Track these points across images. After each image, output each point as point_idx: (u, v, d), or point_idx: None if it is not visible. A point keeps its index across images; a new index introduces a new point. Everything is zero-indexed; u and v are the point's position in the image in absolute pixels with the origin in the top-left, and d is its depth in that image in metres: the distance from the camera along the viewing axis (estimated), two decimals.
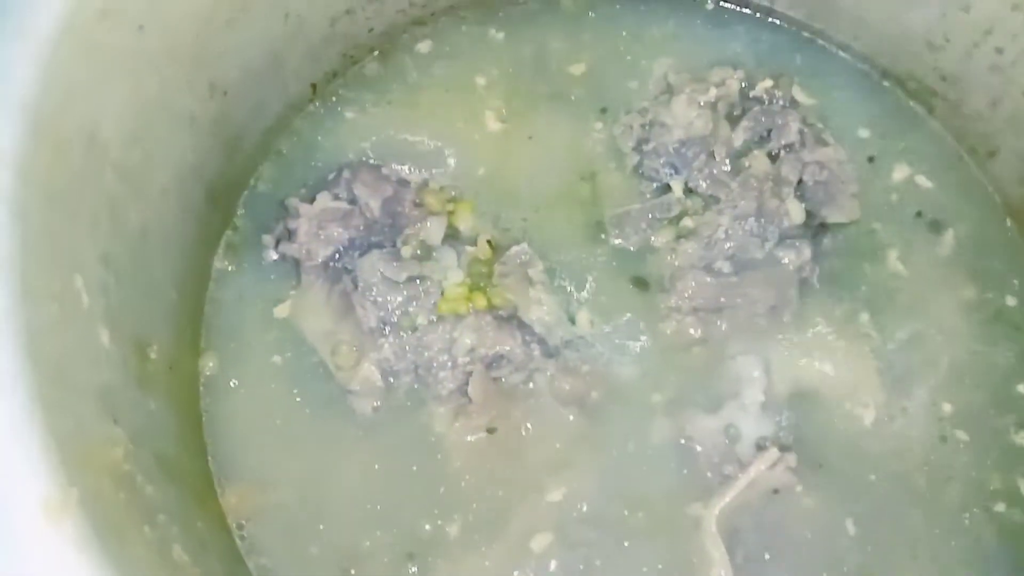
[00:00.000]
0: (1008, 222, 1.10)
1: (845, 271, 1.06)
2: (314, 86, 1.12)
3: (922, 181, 1.10)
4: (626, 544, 0.94)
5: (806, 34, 1.18)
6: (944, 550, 0.95)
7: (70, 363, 0.68)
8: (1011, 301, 1.05)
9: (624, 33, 1.16)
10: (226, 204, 1.06)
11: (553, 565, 0.93)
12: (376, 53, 1.16)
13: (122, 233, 0.83)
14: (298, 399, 0.99)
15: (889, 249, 1.07)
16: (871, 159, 1.11)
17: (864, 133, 1.12)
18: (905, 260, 1.06)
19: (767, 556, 0.94)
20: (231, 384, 0.99)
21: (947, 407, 1.00)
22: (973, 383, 1.01)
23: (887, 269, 1.06)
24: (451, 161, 1.08)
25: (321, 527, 0.94)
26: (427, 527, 0.94)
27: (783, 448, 0.96)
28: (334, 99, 1.14)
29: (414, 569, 0.93)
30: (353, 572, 0.92)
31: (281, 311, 1.02)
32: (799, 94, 1.12)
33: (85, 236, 0.76)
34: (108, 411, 0.72)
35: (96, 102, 0.79)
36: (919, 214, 1.08)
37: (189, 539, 0.76)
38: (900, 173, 1.10)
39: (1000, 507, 0.97)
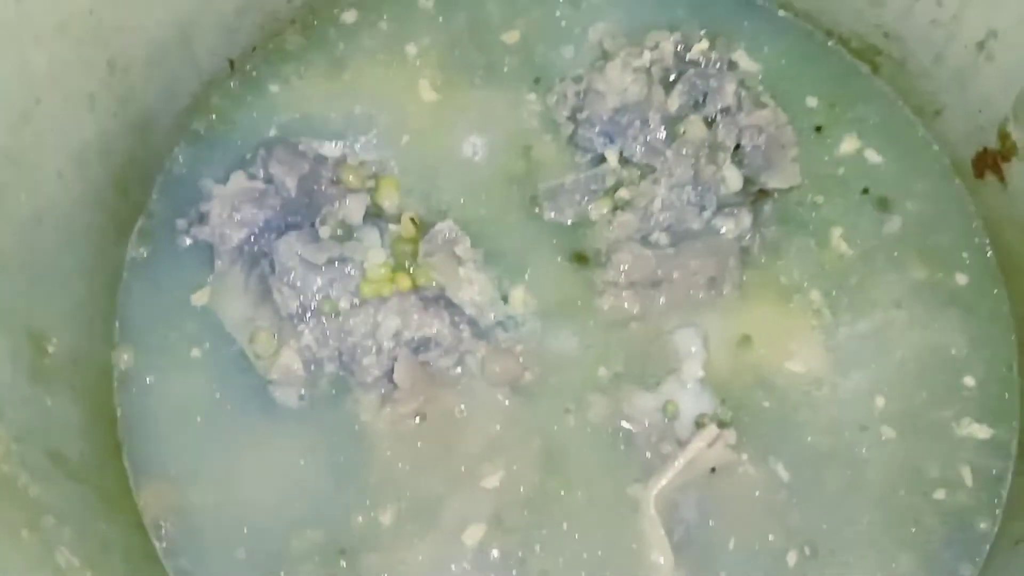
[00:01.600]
0: (957, 181, 1.06)
1: (788, 241, 1.02)
2: (231, 62, 1.07)
3: (871, 155, 1.06)
4: (565, 527, 0.91)
5: None
6: (881, 533, 0.92)
7: None
8: (962, 279, 1.01)
9: None
10: (138, 189, 1.00)
11: (492, 553, 0.90)
12: (297, 24, 1.10)
13: (8, 220, 0.78)
14: (218, 393, 0.94)
15: (833, 227, 1.02)
16: (818, 128, 1.06)
17: (812, 102, 1.08)
18: (850, 240, 1.02)
19: (709, 530, 0.90)
20: (147, 380, 0.95)
21: (880, 401, 0.96)
22: (919, 381, 0.97)
23: (832, 248, 1.02)
24: (378, 135, 1.03)
25: (246, 530, 0.90)
26: (359, 519, 0.90)
27: (722, 425, 0.93)
28: (254, 74, 1.08)
29: (345, 564, 0.89)
30: (283, 574, 0.88)
31: (199, 298, 0.97)
32: (743, 59, 1.08)
33: None
34: None
35: None
36: (866, 191, 1.04)
37: (85, 541, 0.71)
38: (849, 145, 1.06)
39: (940, 494, 0.94)
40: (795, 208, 1.03)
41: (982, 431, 0.96)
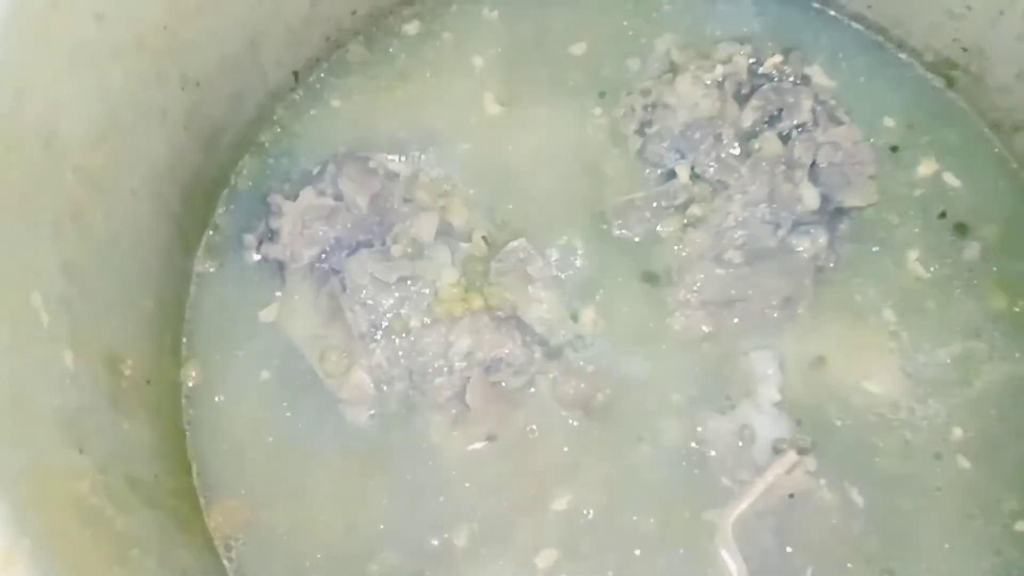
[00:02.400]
0: None
1: (863, 260, 1.00)
2: (296, 74, 1.06)
3: (949, 179, 1.03)
4: (637, 553, 0.89)
5: (816, 4, 1.11)
6: (961, 563, 0.90)
7: (25, 390, 0.62)
8: None
9: (629, 6, 1.09)
10: (205, 203, 1.00)
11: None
12: (361, 36, 1.09)
13: (88, 241, 0.77)
14: (287, 411, 0.93)
15: (909, 249, 1.00)
16: (894, 149, 1.04)
17: (889, 122, 1.05)
18: (927, 263, 0.99)
19: (787, 557, 0.88)
20: (216, 398, 0.94)
21: (958, 431, 0.93)
22: (999, 412, 0.94)
23: (908, 270, 0.99)
24: (444, 150, 1.02)
25: (319, 555, 0.89)
26: (434, 541, 0.89)
27: (801, 451, 0.90)
28: (318, 87, 1.07)
29: None
30: None
31: (267, 315, 0.96)
32: (819, 75, 1.05)
33: (45, 246, 0.70)
34: (73, 439, 0.66)
35: (53, 99, 0.73)
36: (943, 214, 1.01)
37: (166, 570, 0.70)
38: (926, 168, 1.03)
39: (1021, 526, 0.91)
40: (870, 227, 1.01)
41: None
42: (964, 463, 0.93)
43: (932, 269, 0.99)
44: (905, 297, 0.98)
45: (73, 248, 0.74)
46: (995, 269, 0.99)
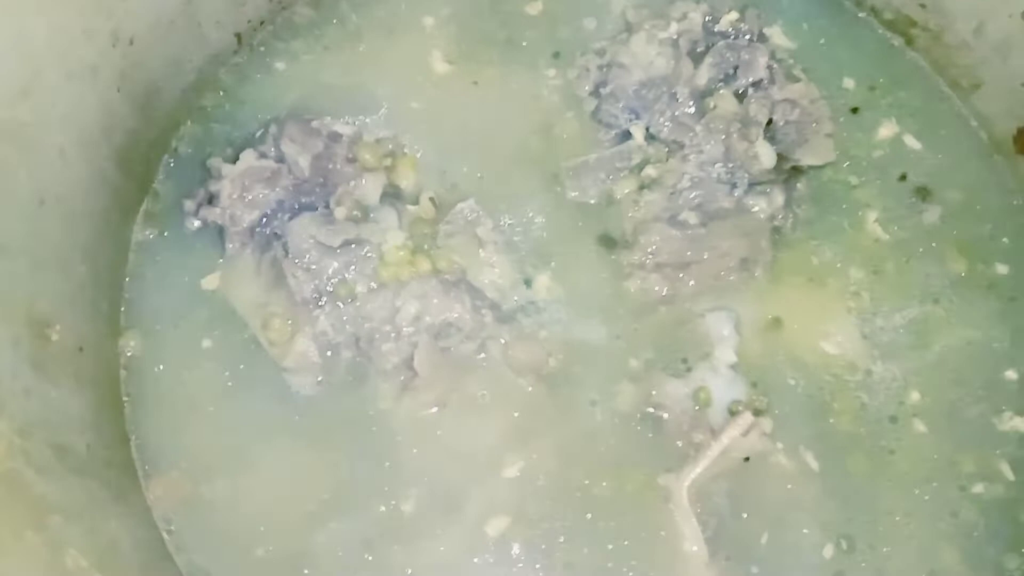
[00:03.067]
0: (996, 159, 1.02)
1: (821, 221, 0.98)
2: (239, 36, 1.02)
3: (910, 141, 1.01)
4: (589, 517, 0.88)
5: None
6: (919, 527, 0.89)
7: None
8: (1002, 269, 0.97)
9: None
10: (143, 169, 0.96)
11: (514, 546, 0.87)
12: None
13: (9, 200, 0.74)
14: (230, 381, 0.90)
15: (868, 210, 0.98)
16: (855, 110, 1.02)
17: (849, 83, 1.03)
18: (886, 225, 0.98)
19: (742, 522, 0.87)
20: (156, 368, 0.91)
21: (914, 395, 0.92)
22: (957, 376, 0.93)
23: (866, 232, 0.98)
24: (391, 109, 0.99)
25: (263, 527, 0.86)
26: (381, 508, 0.87)
27: (757, 412, 0.89)
28: (262, 49, 1.04)
29: (370, 558, 0.85)
30: (307, 572, 0.85)
31: (209, 283, 0.93)
32: (778, 36, 1.03)
33: None
34: None
35: None
36: (903, 177, 0.99)
37: (94, 540, 0.67)
38: (887, 130, 1.02)
39: (979, 488, 0.90)
40: (829, 187, 0.99)
41: None
42: (920, 427, 0.92)
43: (891, 231, 0.98)
44: (863, 259, 0.97)
45: None
46: (955, 233, 0.98)
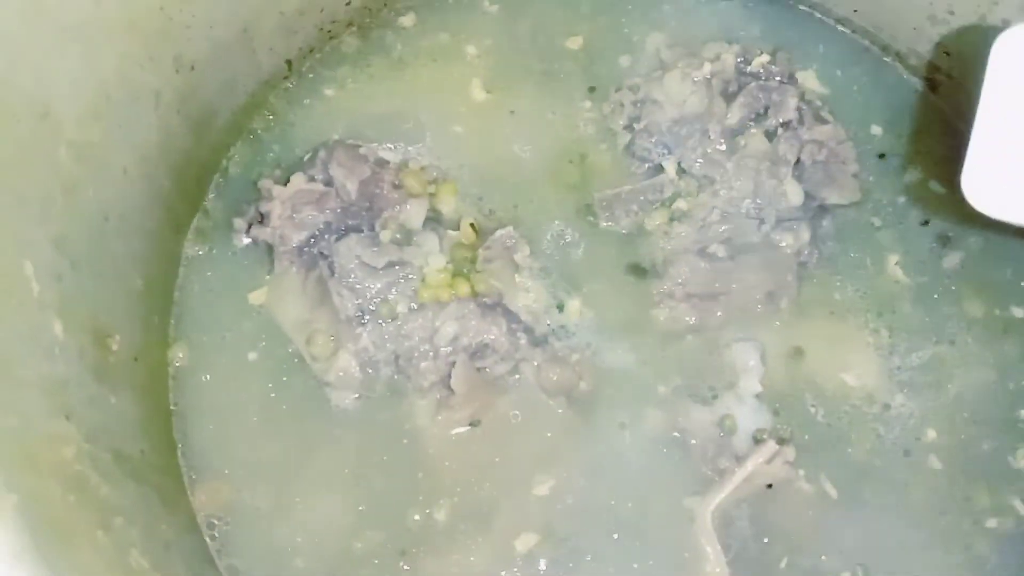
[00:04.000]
0: None
1: (845, 258, 1.01)
2: (289, 62, 1.07)
3: (935, 187, 1.04)
4: (615, 538, 0.90)
5: (803, 7, 1.13)
6: (933, 558, 0.92)
7: (14, 355, 0.62)
8: (1019, 312, 1.00)
9: (629, 5, 1.11)
10: (195, 187, 1.00)
11: (541, 562, 0.90)
12: (354, 28, 1.10)
13: (79, 216, 0.78)
14: (273, 393, 0.94)
15: (889, 253, 1.01)
16: (882, 156, 1.05)
17: (877, 130, 1.07)
18: (906, 267, 1.01)
19: (763, 547, 0.90)
20: (203, 378, 0.95)
21: (930, 432, 0.95)
22: (972, 416, 0.96)
23: (887, 273, 1.01)
24: (433, 136, 1.03)
25: (302, 538, 0.89)
26: (416, 517, 0.90)
27: (781, 441, 0.92)
28: (311, 76, 1.08)
29: (406, 567, 0.88)
30: None
31: (256, 298, 0.97)
32: (812, 81, 1.07)
33: (36, 218, 0.71)
34: (59, 407, 0.67)
35: (47, 74, 0.74)
36: (926, 223, 1.03)
37: (150, 542, 0.71)
38: (912, 176, 1.05)
39: (992, 523, 0.92)
40: (853, 228, 1.02)
41: None
42: (935, 462, 0.94)
43: (911, 274, 1.01)
44: (883, 298, 1.00)
45: (64, 222, 0.75)
46: (974, 277, 1.01)
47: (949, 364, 0.98)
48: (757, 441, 0.93)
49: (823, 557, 0.91)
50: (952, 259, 1.02)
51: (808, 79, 1.08)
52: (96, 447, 0.70)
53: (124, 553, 0.66)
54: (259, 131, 1.05)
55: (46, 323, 0.69)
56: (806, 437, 0.94)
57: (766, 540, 0.91)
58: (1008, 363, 0.98)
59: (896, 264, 1.01)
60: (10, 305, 0.64)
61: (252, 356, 0.95)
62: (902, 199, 1.04)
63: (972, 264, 1.02)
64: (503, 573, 0.89)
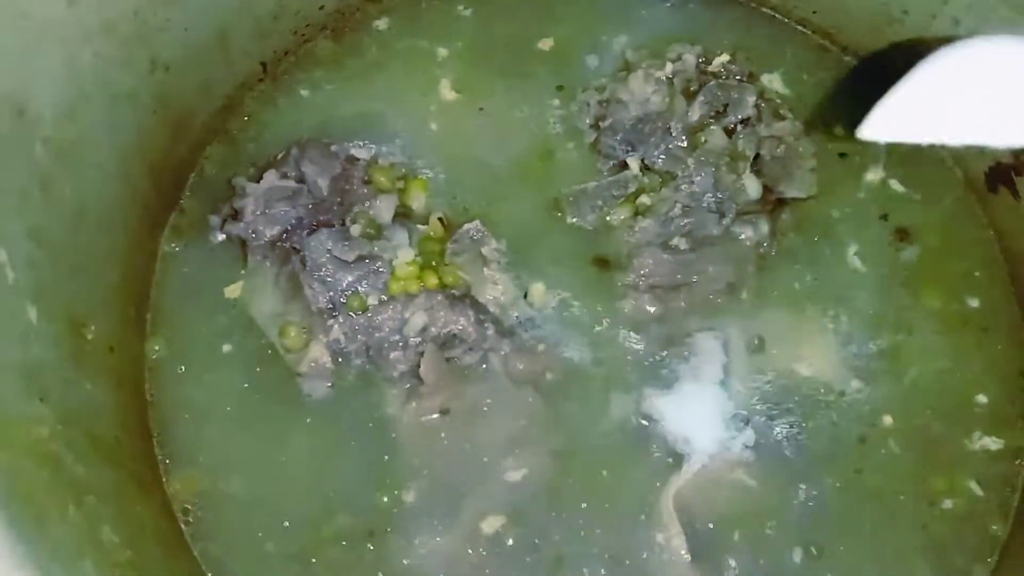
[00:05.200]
0: (969, 194, 1.08)
1: (804, 249, 1.04)
2: (264, 64, 1.10)
3: (895, 185, 1.07)
4: (581, 522, 0.93)
5: (765, 9, 1.17)
6: (888, 536, 0.94)
7: None
8: (974, 303, 1.03)
9: (608, 9, 1.14)
10: (172, 186, 1.03)
11: (508, 542, 0.92)
12: (328, 31, 1.13)
13: (55, 210, 0.81)
14: (247, 384, 0.96)
15: (848, 244, 1.04)
16: (843, 155, 1.08)
17: (839, 131, 1.09)
18: (864, 258, 1.04)
19: (724, 532, 0.92)
20: (179, 370, 0.97)
21: (887, 419, 0.98)
22: (927, 402, 0.98)
23: (846, 263, 1.04)
24: (404, 135, 1.06)
25: (273, 523, 0.92)
26: (384, 498, 0.92)
27: (740, 427, 0.95)
28: (286, 77, 1.11)
29: (371, 548, 0.91)
30: (314, 561, 0.90)
31: (231, 292, 1.00)
32: (778, 83, 1.11)
33: (12, 209, 0.74)
34: (33, 389, 0.69)
35: (24, 73, 0.77)
36: (885, 217, 1.06)
37: (123, 521, 0.73)
38: (873, 175, 1.08)
39: (948, 504, 0.95)
40: (812, 220, 1.05)
41: (994, 443, 0.98)
42: (893, 447, 0.97)
43: (869, 265, 1.04)
44: (841, 288, 1.03)
45: (41, 215, 0.78)
46: (931, 270, 1.04)
47: (905, 352, 1.01)
48: (718, 428, 0.95)
49: (777, 538, 0.93)
50: (910, 252, 1.05)
51: (774, 81, 1.11)
52: (70, 430, 0.72)
53: (95, 529, 0.68)
54: (234, 131, 1.08)
55: (20, 308, 0.71)
56: (765, 424, 0.97)
57: (725, 525, 0.93)
58: (965, 352, 1.01)
59: (855, 255, 1.04)
60: None
61: (227, 348, 0.98)
62: (861, 194, 1.07)
63: (929, 257, 1.05)
64: (469, 551, 0.91)
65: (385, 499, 0.92)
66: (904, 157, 1.09)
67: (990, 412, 0.99)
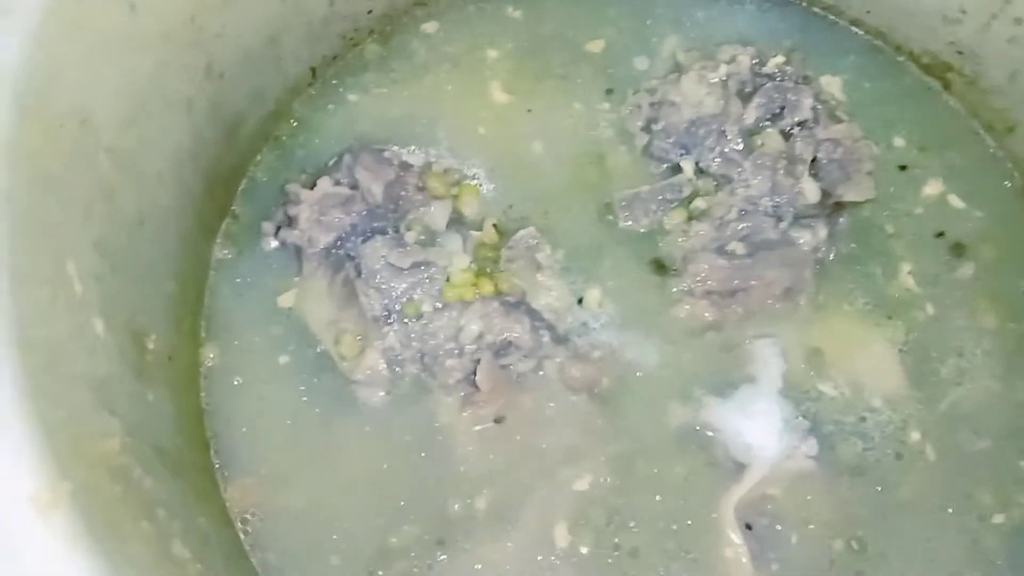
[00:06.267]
0: None
1: (861, 259, 1.02)
2: (313, 70, 1.09)
3: (954, 201, 1.05)
4: (645, 530, 0.92)
5: (817, 9, 1.15)
6: (939, 547, 0.93)
7: (62, 352, 0.65)
8: None
9: (658, 9, 1.13)
10: (224, 192, 1.03)
11: (573, 551, 0.91)
12: (376, 35, 1.13)
13: (117, 219, 0.81)
14: (304, 396, 0.96)
15: (902, 262, 1.02)
16: (903, 168, 1.06)
17: (899, 142, 1.08)
18: (918, 276, 1.02)
19: (792, 538, 0.91)
20: (235, 381, 0.97)
21: (932, 433, 0.96)
22: (973, 423, 0.96)
23: (899, 281, 1.02)
24: (455, 139, 1.05)
25: (337, 534, 0.91)
26: (456, 507, 0.92)
27: (802, 435, 0.93)
28: (335, 82, 1.11)
29: (443, 557, 0.90)
30: (382, 574, 0.89)
31: (285, 300, 0.99)
32: (836, 90, 1.09)
33: (78, 222, 0.74)
34: (103, 402, 0.69)
35: (87, 84, 0.76)
36: (941, 234, 1.03)
37: (190, 534, 0.73)
38: (932, 188, 1.06)
39: (999, 519, 0.93)
40: (868, 233, 1.03)
41: None
42: (932, 458, 0.95)
43: (923, 284, 1.02)
44: (895, 304, 1.01)
45: (105, 226, 0.78)
46: (988, 288, 1.01)
47: (962, 373, 0.98)
48: (778, 436, 0.94)
49: (837, 545, 0.92)
50: (965, 270, 1.02)
51: (832, 85, 1.09)
52: (138, 441, 0.72)
53: (167, 543, 0.68)
54: (284, 138, 1.08)
55: (88, 322, 0.71)
56: (824, 433, 0.95)
57: (788, 535, 0.92)
58: (1019, 373, 0.98)
59: (908, 273, 1.02)
60: (57, 304, 0.67)
61: (283, 360, 0.97)
62: (919, 210, 1.05)
63: (986, 275, 1.02)
64: (539, 557, 0.90)
65: (456, 506, 0.91)
66: (964, 171, 1.07)
67: None
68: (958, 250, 1.03)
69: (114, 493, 0.63)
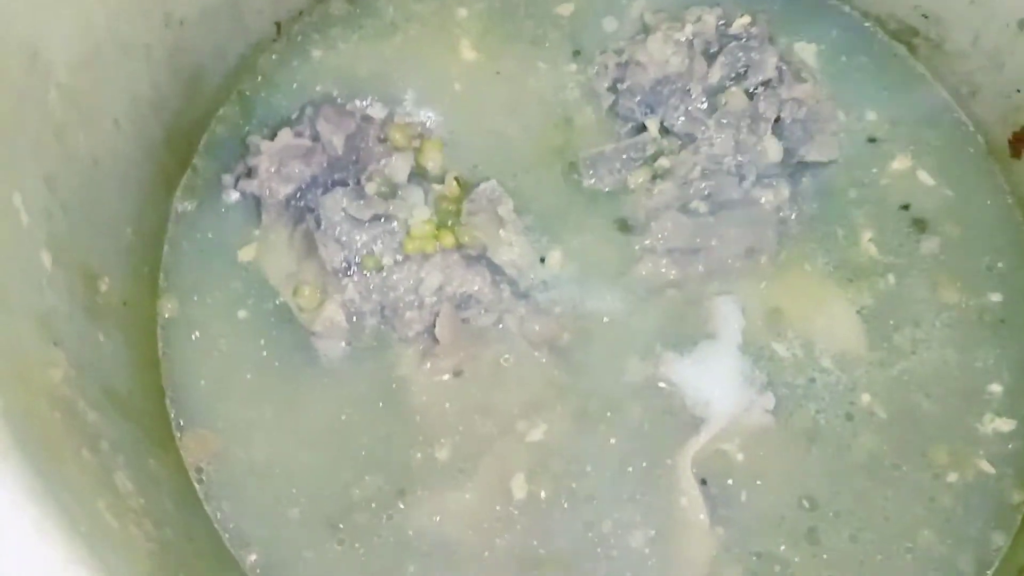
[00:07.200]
0: (991, 163, 1.07)
1: (823, 221, 1.02)
2: (278, 24, 1.08)
3: (923, 177, 1.05)
4: (602, 480, 0.92)
5: None
6: (893, 509, 0.93)
7: (4, 281, 0.64)
8: (995, 296, 1.00)
9: None
10: (186, 144, 1.02)
11: (539, 495, 0.91)
12: None
13: (69, 158, 0.80)
14: (263, 349, 0.95)
15: (863, 229, 1.02)
16: (872, 140, 1.06)
17: (871, 115, 1.07)
18: (880, 245, 1.01)
19: (742, 494, 0.92)
20: (194, 335, 0.96)
21: (894, 396, 0.96)
22: (923, 388, 0.97)
23: (860, 247, 1.01)
24: (421, 94, 1.05)
25: (296, 487, 0.91)
26: (418, 455, 0.92)
27: (759, 390, 0.93)
28: (300, 38, 1.10)
29: (402, 506, 0.90)
30: (342, 526, 0.89)
31: (245, 254, 0.99)
32: (809, 55, 1.08)
33: (27, 155, 0.73)
34: (48, 333, 0.68)
35: (38, 21, 0.76)
36: (906, 207, 1.03)
37: (138, 472, 0.73)
38: (900, 163, 1.05)
39: (952, 477, 0.94)
40: (831, 197, 1.03)
41: (1007, 424, 0.96)
42: (883, 418, 0.95)
43: (884, 253, 1.01)
44: (856, 269, 1.01)
45: (55, 163, 0.77)
46: (951, 265, 1.01)
47: (920, 343, 0.98)
48: (735, 391, 0.94)
49: (796, 499, 0.93)
50: (930, 244, 1.02)
51: (806, 52, 1.09)
52: (84, 377, 0.71)
53: (109, 473, 0.68)
54: (248, 93, 1.07)
55: (35, 254, 0.70)
56: (782, 389, 0.95)
57: (741, 487, 0.92)
58: (978, 343, 0.98)
59: (870, 240, 1.02)
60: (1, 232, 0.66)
61: (242, 314, 0.96)
62: (885, 181, 1.04)
63: (950, 251, 1.02)
64: (497, 507, 0.90)
65: (418, 455, 0.91)
66: (936, 149, 1.06)
67: (1004, 398, 0.96)
68: (921, 224, 1.03)
69: (52, 419, 0.63)
